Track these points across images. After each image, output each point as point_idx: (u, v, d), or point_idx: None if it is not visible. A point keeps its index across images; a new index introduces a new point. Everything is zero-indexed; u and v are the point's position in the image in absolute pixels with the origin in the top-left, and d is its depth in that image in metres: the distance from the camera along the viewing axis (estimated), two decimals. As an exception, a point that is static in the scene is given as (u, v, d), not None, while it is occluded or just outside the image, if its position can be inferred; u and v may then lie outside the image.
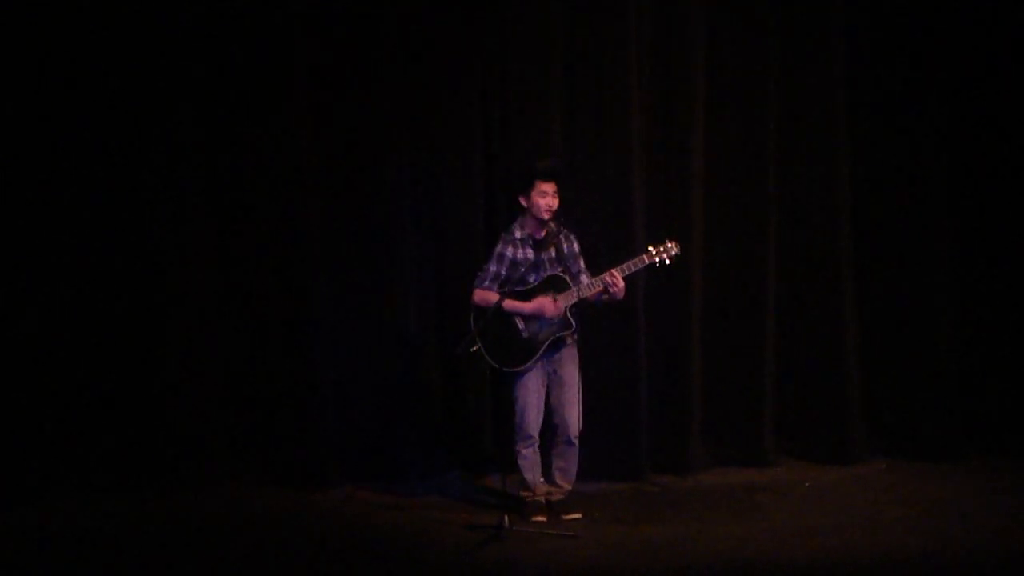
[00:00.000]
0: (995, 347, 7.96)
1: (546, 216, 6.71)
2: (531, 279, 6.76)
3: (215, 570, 6.17)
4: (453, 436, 7.85)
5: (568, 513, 6.85)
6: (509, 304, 6.68)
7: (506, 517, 6.46)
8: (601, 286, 6.65)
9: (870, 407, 8.02)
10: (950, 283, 7.91)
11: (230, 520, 6.93)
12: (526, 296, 6.74)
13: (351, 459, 7.62)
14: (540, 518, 6.75)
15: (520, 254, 6.78)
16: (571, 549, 6.30)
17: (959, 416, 7.88)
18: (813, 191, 7.94)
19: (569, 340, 6.79)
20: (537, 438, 6.83)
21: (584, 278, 6.78)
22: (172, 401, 7.55)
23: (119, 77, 7.43)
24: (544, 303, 6.69)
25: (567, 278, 6.73)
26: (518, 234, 6.80)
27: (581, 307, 6.78)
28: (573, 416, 6.82)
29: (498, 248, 6.82)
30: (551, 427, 6.87)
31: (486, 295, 6.75)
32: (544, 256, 6.78)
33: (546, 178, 6.71)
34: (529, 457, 6.83)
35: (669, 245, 6.68)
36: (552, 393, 6.83)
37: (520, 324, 6.73)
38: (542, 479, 6.91)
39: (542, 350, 6.72)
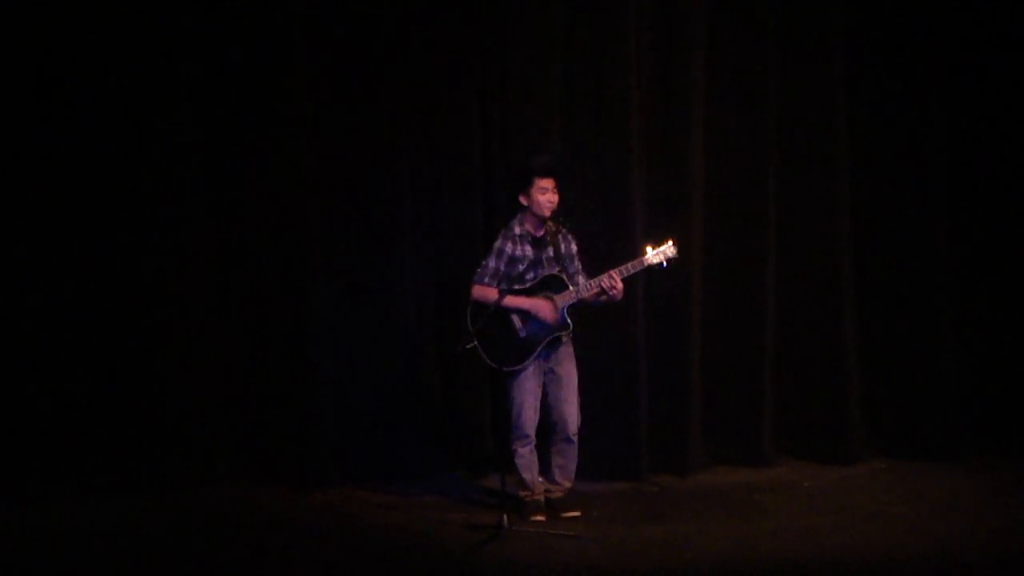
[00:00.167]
0: (995, 347, 7.96)
1: (547, 213, 6.71)
2: (529, 277, 6.76)
3: (215, 570, 6.17)
4: (452, 436, 7.86)
5: (567, 511, 6.85)
6: (508, 301, 6.67)
7: (505, 517, 6.46)
8: (599, 287, 6.65)
9: (870, 407, 8.03)
10: (950, 283, 7.92)
11: (230, 520, 6.92)
12: (525, 295, 6.73)
13: (350, 459, 7.62)
14: (539, 518, 6.75)
15: (519, 250, 6.78)
16: (571, 549, 6.30)
17: (959, 416, 7.88)
18: (813, 191, 7.94)
19: (565, 339, 6.80)
20: (534, 437, 6.83)
21: (581, 279, 6.78)
22: (172, 401, 7.55)
23: (119, 77, 7.43)
24: (543, 304, 6.69)
25: (564, 278, 6.73)
26: (517, 230, 6.80)
27: (579, 307, 6.78)
28: (572, 414, 6.82)
29: (497, 244, 6.82)
30: (550, 425, 6.87)
31: (485, 291, 6.75)
32: (543, 254, 6.78)
33: (544, 174, 6.71)
34: (526, 456, 6.83)
35: (668, 247, 6.67)
36: (550, 391, 6.83)
37: (517, 324, 6.72)
38: (541, 477, 6.91)
39: (538, 350, 6.72)
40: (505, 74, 7.78)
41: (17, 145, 7.38)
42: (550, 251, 6.78)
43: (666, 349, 7.77)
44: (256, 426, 7.68)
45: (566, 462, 6.91)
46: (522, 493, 6.87)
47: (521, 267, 6.77)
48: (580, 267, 6.87)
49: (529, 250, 6.78)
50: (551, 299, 6.70)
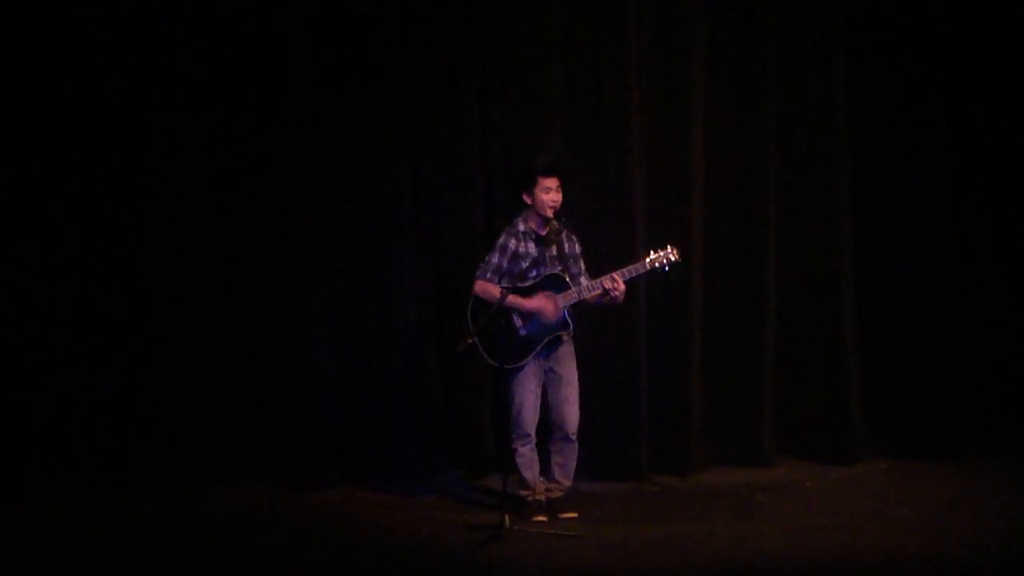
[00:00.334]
0: (995, 347, 7.97)
1: (550, 212, 6.71)
2: (531, 275, 6.76)
3: (215, 570, 6.16)
4: (452, 436, 7.85)
5: (565, 512, 6.85)
6: (511, 299, 6.67)
7: (507, 517, 6.46)
8: (601, 289, 6.64)
9: (870, 407, 8.03)
10: (950, 283, 7.92)
11: (230, 520, 6.92)
12: (527, 294, 6.74)
13: (350, 459, 7.62)
14: (540, 518, 6.75)
15: (522, 247, 6.78)
16: (572, 549, 6.30)
17: (959, 416, 7.89)
18: (813, 191, 7.95)
19: (566, 338, 6.80)
20: (534, 436, 6.83)
21: (583, 280, 6.77)
22: (172, 401, 7.54)
23: (119, 77, 7.43)
24: (545, 303, 6.69)
25: (567, 278, 6.73)
26: (521, 227, 6.80)
27: (580, 308, 6.77)
28: (572, 413, 6.82)
29: (501, 240, 6.82)
30: (550, 424, 6.87)
31: (488, 287, 6.74)
32: (546, 253, 6.78)
33: (547, 173, 6.71)
34: (527, 455, 6.83)
35: (670, 251, 6.67)
36: (550, 390, 6.83)
37: (518, 322, 6.72)
38: (541, 477, 6.91)
39: (538, 348, 6.72)
40: (505, 74, 7.78)
41: (17, 145, 7.39)
42: (553, 250, 6.78)
43: (667, 349, 7.77)
44: (256, 426, 7.68)
45: (566, 461, 6.91)
46: (523, 493, 6.86)
47: (524, 264, 6.77)
48: (583, 267, 6.87)
49: (532, 248, 6.78)
50: (553, 299, 6.70)
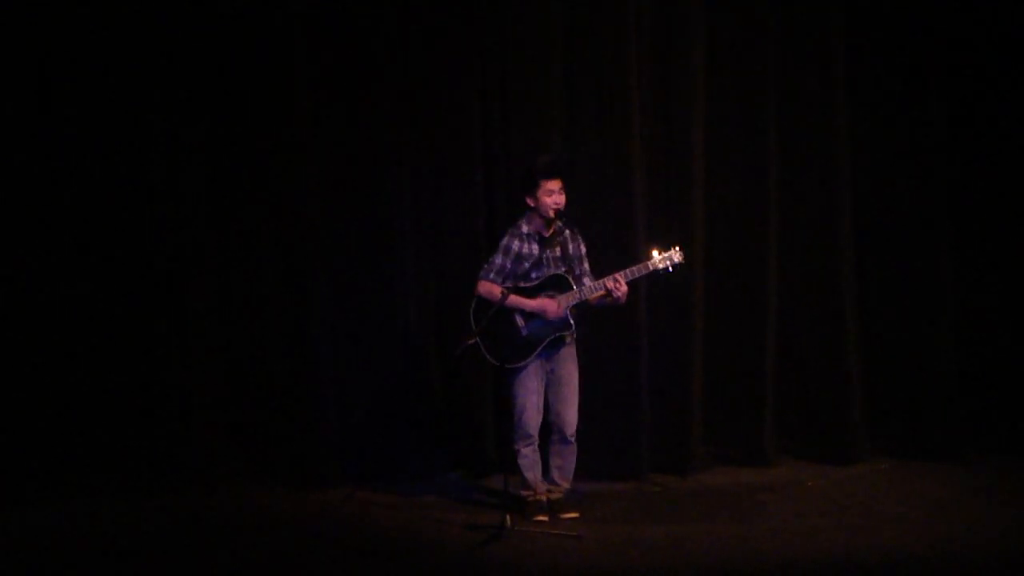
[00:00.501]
0: (995, 346, 7.96)
1: (552, 214, 6.70)
2: (534, 276, 6.76)
3: (215, 570, 6.16)
4: (454, 436, 7.86)
5: (565, 512, 6.84)
6: (512, 299, 6.67)
7: (508, 517, 6.46)
8: (604, 289, 6.64)
9: (871, 407, 8.02)
10: (950, 283, 7.92)
11: (230, 520, 6.92)
12: (528, 294, 6.73)
13: (351, 459, 7.62)
14: (542, 518, 6.75)
15: (526, 248, 6.77)
16: (573, 549, 6.30)
17: (960, 416, 7.88)
18: (813, 191, 7.95)
19: (568, 339, 6.79)
20: (536, 437, 6.83)
21: (587, 280, 6.77)
22: (172, 401, 7.54)
23: (119, 77, 7.44)
24: (547, 303, 6.69)
25: (570, 279, 6.73)
26: (525, 229, 6.80)
27: (582, 308, 6.77)
28: (571, 415, 6.81)
29: (504, 241, 6.82)
30: (548, 426, 6.86)
31: (490, 288, 6.74)
32: (549, 254, 6.78)
33: (550, 175, 6.70)
34: (529, 456, 6.83)
35: (675, 252, 6.66)
36: (550, 391, 6.82)
37: (520, 322, 6.72)
38: (542, 478, 6.90)
39: (540, 348, 6.71)
40: (505, 74, 7.78)
41: (17, 145, 7.39)
42: (557, 251, 6.78)
43: (667, 349, 7.77)
44: (256, 426, 7.68)
45: (564, 463, 6.91)
46: (524, 493, 6.86)
47: (527, 265, 6.76)
48: (588, 268, 6.86)
49: (536, 249, 6.78)
50: (555, 299, 6.70)
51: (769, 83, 7.88)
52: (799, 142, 7.95)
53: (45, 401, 7.39)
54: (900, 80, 7.89)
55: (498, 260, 6.79)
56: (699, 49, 7.81)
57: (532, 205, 6.76)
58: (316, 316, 7.63)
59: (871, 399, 8.03)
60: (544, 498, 6.85)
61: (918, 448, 7.89)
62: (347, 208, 7.73)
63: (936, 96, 7.85)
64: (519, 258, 6.77)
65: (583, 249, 6.88)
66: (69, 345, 7.43)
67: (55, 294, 7.42)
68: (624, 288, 6.62)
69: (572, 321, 6.72)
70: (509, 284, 6.73)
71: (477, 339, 6.62)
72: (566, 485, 6.93)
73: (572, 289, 6.69)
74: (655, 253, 6.68)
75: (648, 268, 6.67)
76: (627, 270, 6.64)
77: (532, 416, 6.77)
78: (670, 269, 6.67)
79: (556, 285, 6.72)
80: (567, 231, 6.79)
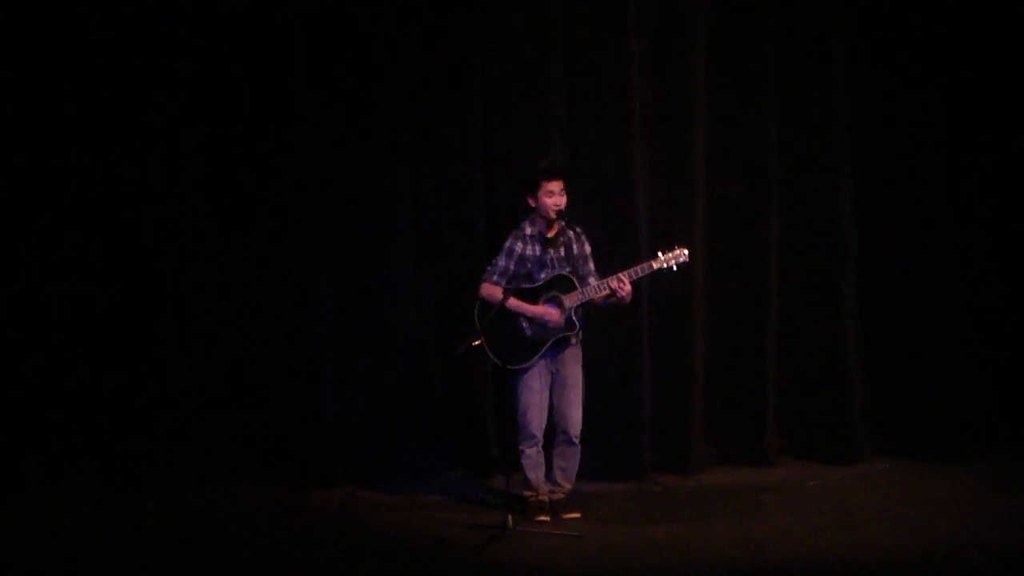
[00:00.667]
0: (996, 347, 7.96)
1: (552, 215, 6.70)
2: (539, 276, 6.76)
3: (215, 570, 6.15)
4: (455, 436, 7.86)
5: (567, 512, 6.84)
6: (513, 304, 6.67)
7: (509, 517, 6.46)
8: (607, 289, 6.64)
9: (871, 407, 8.02)
10: (951, 283, 7.91)
11: (230, 520, 6.91)
12: (532, 295, 6.73)
13: (352, 459, 7.62)
14: (544, 518, 6.74)
15: (529, 250, 6.77)
16: (574, 549, 6.30)
17: (960, 416, 7.88)
18: (814, 191, 7.94)
19: (573, 340, 6.78)
20: (541, 437, 6.82)
21: (592, 280, 6.76)
22: (173, 401, 7.53)
23: (120, 77, 7.43)
24: (549, 311, 6.68)
25: (574, 279, 6.72)
26: (528, 230, 6.80)
27: (585, 308, 6.77)
28: (575, 416, 6.81)
29: (507, 243, 6.81)
30: (552, 427, 6.86)
31: (492, 290, 6.73)
32: (553, 254, 6.78)
33: (551, 177, 6.70)
34: (532, 456, 6.82)
35: (678, 251, 6.66)
36: (555, 393, 6.82)
37: (524, 323, 6.72)
38: (545, 479, 6.89)
39: (544, 349, 6.71)
40: (505, 74, 7.78)
41: (17, 146, 7.38)
42: (561, 251, 6.77)
43: (669, 349, 7.76)
44: (256, 426, 7.67)
45: (567, 464, 6.90)
46: (527, 493, 6.86)
47: (531, 266, 6.76)
48: (593, 268, 6.86)
49: (540, 250, 6.77)
50: (558, 299, 6.69)
51: (769, 83, 7.88)
52: (799, 142, 7.94)
53: (45, 401, 7.39)
54: (900, 80, 7.89)
55: (501, 262, 6.79)
56: (699, 49, 7.80)
57: (533, 205, 6.76)
58: (316, 316, 7.62)
59: (871, 399, 8.02)
60: (546, 498, 6.84)
61: (918, 448, 7.89)
62: (347, 208, 7.73)
63: (936, 96, 7.85)
64: (522, 260, 6.76)
65: (588, 248, 6.87)
66: (69, 345, 7.43)
67: (55, 294, 7.41)
68: (628, 288, 6.61)
69: (577, 321, 6.71)
70: (512, 287, 6.71)
71: (483, 340, 6.61)
72: (569, 486, 6.93)
73: (576, 289, 6.68)
74: (659, 252, 6.67)
75: (652, 267, 6.66)
76: (631, 269, 6.64)
77: (536, 417, 6.76)
78: (674, 268, 6.67)
79: (560, 285, 6.71)
80: (571, 231, 6.78)
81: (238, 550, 6.39)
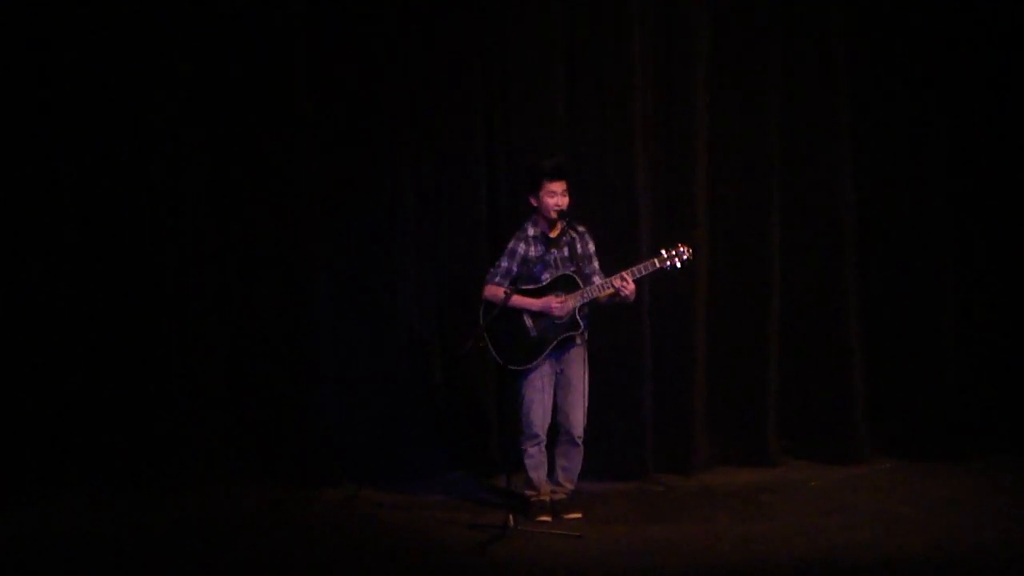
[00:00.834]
0: (997, 347, 7.96)
1: (554, 215, 6.69)
2: (543, 277, 6.75)
3: (215, 570, 6.14)
4: (457, 435, 7.85)
5: (568, 512, 6.83)
6: (516, 300, 6.66)
7: (511, 517, 6.44)
8: (611, 288, 6.63)
9: (874, 407, 8.01)
10: (952, 283, 7.91)
11: (231, 520, 6.90)
12: (537, 295, 6.72)
13: (353, 458, 7.61)
14: (545, 518, 6.73)
15: (532, 251, 6.77)
16: (576, 549, 6.29)
17: (962, 416, 7.87)
18: (816, 190, 7.94)
19: (578, 340, 6.77)
20: (544, 437, 6.81)
21: (597, 279, 6.75)
22: (173, 401, 7.53)
23: (120, 77, 7.43)
24: (551, 301, 6.68)
25: (578, 278, 6.71)
26: (531, 231, 6.79)
27: (590, 307, 6.76)
28: (578, 416, 6.80)
29: (511, 244, 6.81)
30: (555, 426, 6.85)
31: (496, 291, 6.72)
32: (557, 254, 6.77)
33: (553, 177, 6.69)
34: (535, 456, 6.81)
35: (682, 249, 6.65)
36: (558, 393, 6.81)
37: (529, 323, 6.71)
38: (547, 479, 6.89)
39: (548, 349, 6.70)
40: (506, 74, 7.78)
41: (17, 145, 7.38)
42: (565, 251, 6.76)
43: (671, 348, 7.76)
44: (257, 426, 7.66)
45: (570, 464, 6.90)
46: (528, 493, 6.85)
47: (535, 268, 6.75)
48: (598, 267, 6.85)
49: (543, 251, 6.76)
50: (562, 299, 6.68)
51: (770, 83, 7.88)
52: (800, 142, 7.94)
53: (45, 401, 7.38)
54: (900, 80, 7.89)
55: (504, 264, 6.78)
56: (700, 49, 7.80)
57: (535, 206, 6.76)
58: (316, 316, 7.62)
59: (873, 399, 8.01)
60: (548, 498, 6.83)
61: (919, 448, 7.88)
62: (347, 208, 7.73)
63: (936, 96, 7.85)
64: (526, 261, 6.76)
65: (592, 247, 6.86)
66: (69, 345, 7.42)
67: (55, 294, 7.41)
68: (632, 287, 6.61)
69: (581, 321, 6.71)
70: (515, 287, 6.70)
71: (487, 341, 6.61)
72: (570, 486, 6.92)
73: (579, 288, 6.67)
74: (663, 251, 6.67)
75: (655, 266, 6.65)
76: (634, 268, 6.63)
77: (539, 416, 6.76)
78: (678, 266, 6.66)
79: (564, 285, 6.70)
80: (574, 231, 6.77)
81: (238, 550, 6.38)
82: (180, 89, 7.52)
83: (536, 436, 6.78)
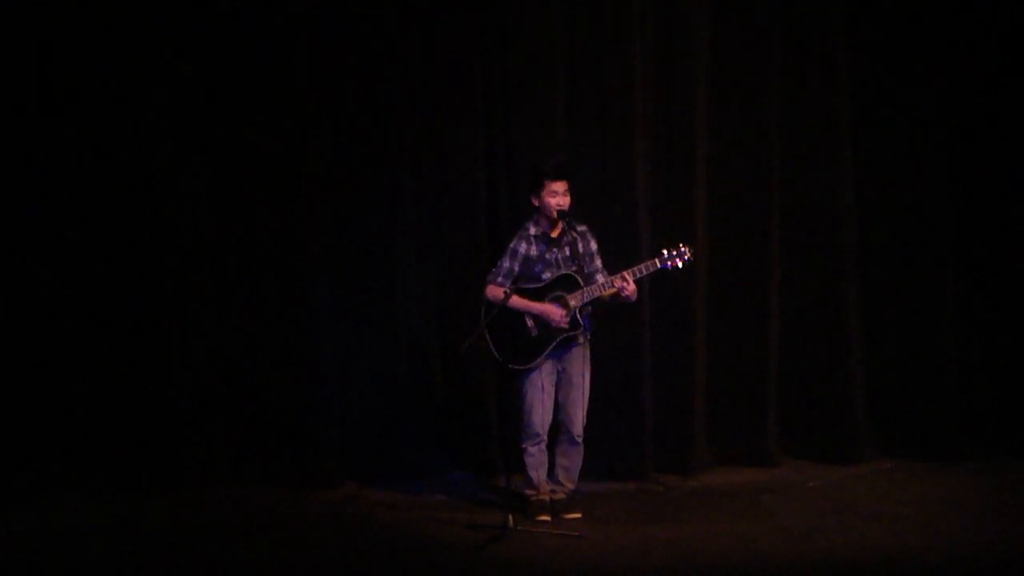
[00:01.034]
0: (998, 347, 7.96)
1: (555, 215, 6.69)
2: (545, 276, 6.75)
3: (215, 570, 6.14)
4: (457, 435, 7.85)
5: (568, 512, 6.83)
6: (516, 302, 6.66)
7: (510, 517, 6.44)
8: (612, 288, 6.63)
9: (874, 407, 8.02)
10: (952, 283, 7.91)
11: (231, 520, 6.90)
12: (538, 295, 6.72)
13: (353, 458, 7.61)
14: (545, 517, 6.73)
15: (534, 250, 6.77)
16: (575, 549, 6.29)
17: (963, 416, 7.88)
18: (816, 191, 7.95)
19: (581, 339, 6.77)
20: (545, 437, 6.81)
21: (600, 277, 6.75)
22: (173, 401, 7.53)
23: (120, 77, 7.43)
24: (551, 309, 6.67)
25: (579, 278, 6.71)
26: (533, 231, 6.80)
27: (593, 306, 6.75)
28: (579, 416, 6.80)
29: (512, 244, 6.81)
30: (556, 426, 6.85)
31: (497, 291, 6.72)
32: (559, 254, 6.77)
33: (555, 177, 6.69)
34: (536, 455, 6.82)
35: (683, 249, 6.66)
36: (559, 392, 6.81)
37: (530, 323, 6.71)
38: (546, 478, 6.88)
39: (549, 348, 6.70)
40: (506, 74, 7.78)
41: (17, 146, 7.37)
42: (567, 251, 6.76)
43: (671, 349, 7.76)
44: (257, 426, 7.66)
45: (570, 463, 6.90)
46: (528, 492, 6.85)
47: (537, 267, 6.75)
48: (600, 266, 6.85)
49: (544, 250, 6.77)
50: (563, 299, 6.68)
51: (771, 83, 7.88)
52: (800, 142, 7.95)
53: (45, 400, 7.37)
54: (900, 80, 7.89)
55: (505, 263, 6.79)
56: (700, 49, 7.80)
57: (536, 205, 6.76)
58: (316, 316, 7.61)
59: (873, 399, 8.02)
60: (547, 498, 6.83)
61: (919, 448, 7.89)
62: (347, 208, 7.72)
63: (936, 96, 7.85)
64: (527, 260, 6.76)
65: (594, 246, 6.86)
66: (69, 345, 7.42)
67: (55, 294, 7.40)
68: (632, 286, 6.61)
69: (582, 321, 6.70)
70: (516, 287, 6.69)
71: (488, 341, 6.60)
72: (571, 486, 6.92)
73: (580, 288, 6.67)
74: (664, 251, 6.67)
75: (656, 266, 6.66)
76: (635, 268, 6.64)
77: (540, 415, 6.76)
78: (679, 266, 6.66)
79: (565, 285, 6.70)
80: (575, 231, 6.77)
81: (239, 550, 6.38)
82: (180, 89, 7.52)
83: (537, 435, 6.78)
